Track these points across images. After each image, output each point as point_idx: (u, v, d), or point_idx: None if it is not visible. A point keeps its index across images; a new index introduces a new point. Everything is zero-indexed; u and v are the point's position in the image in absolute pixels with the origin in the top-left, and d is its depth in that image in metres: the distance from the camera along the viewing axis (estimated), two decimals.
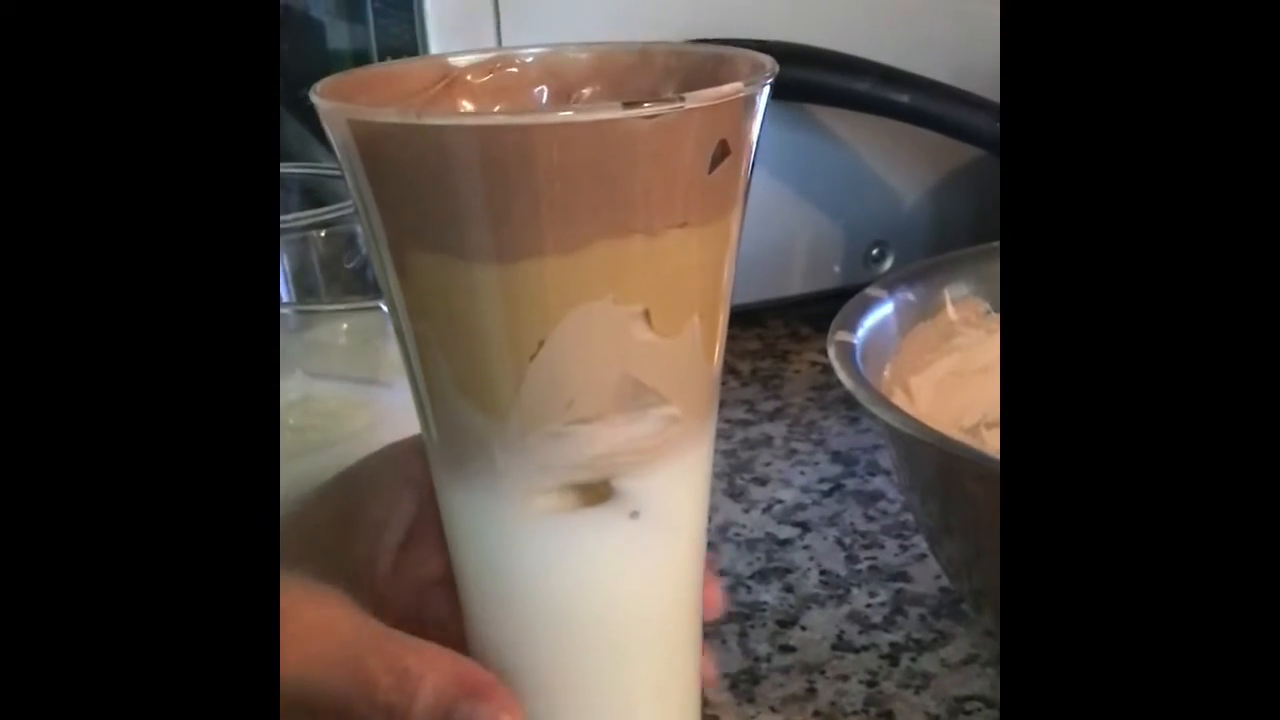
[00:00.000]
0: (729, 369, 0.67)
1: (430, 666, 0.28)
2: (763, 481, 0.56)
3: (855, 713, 0.41)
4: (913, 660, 0.44)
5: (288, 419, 0.42)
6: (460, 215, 0.25)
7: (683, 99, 0.25)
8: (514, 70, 0.31)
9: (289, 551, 0.30)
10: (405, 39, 0.62)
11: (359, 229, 0.40)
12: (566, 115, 0.25)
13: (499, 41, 0.61)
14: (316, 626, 0.28)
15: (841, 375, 0.41)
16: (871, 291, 0.47)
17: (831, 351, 0.43)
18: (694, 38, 0.62)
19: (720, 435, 0.60)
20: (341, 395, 0.44)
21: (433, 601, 0.32)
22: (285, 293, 0.49)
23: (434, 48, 0.60)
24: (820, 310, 0.71)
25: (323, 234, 0.50)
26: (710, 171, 0.26)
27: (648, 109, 0.24)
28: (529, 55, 0.31)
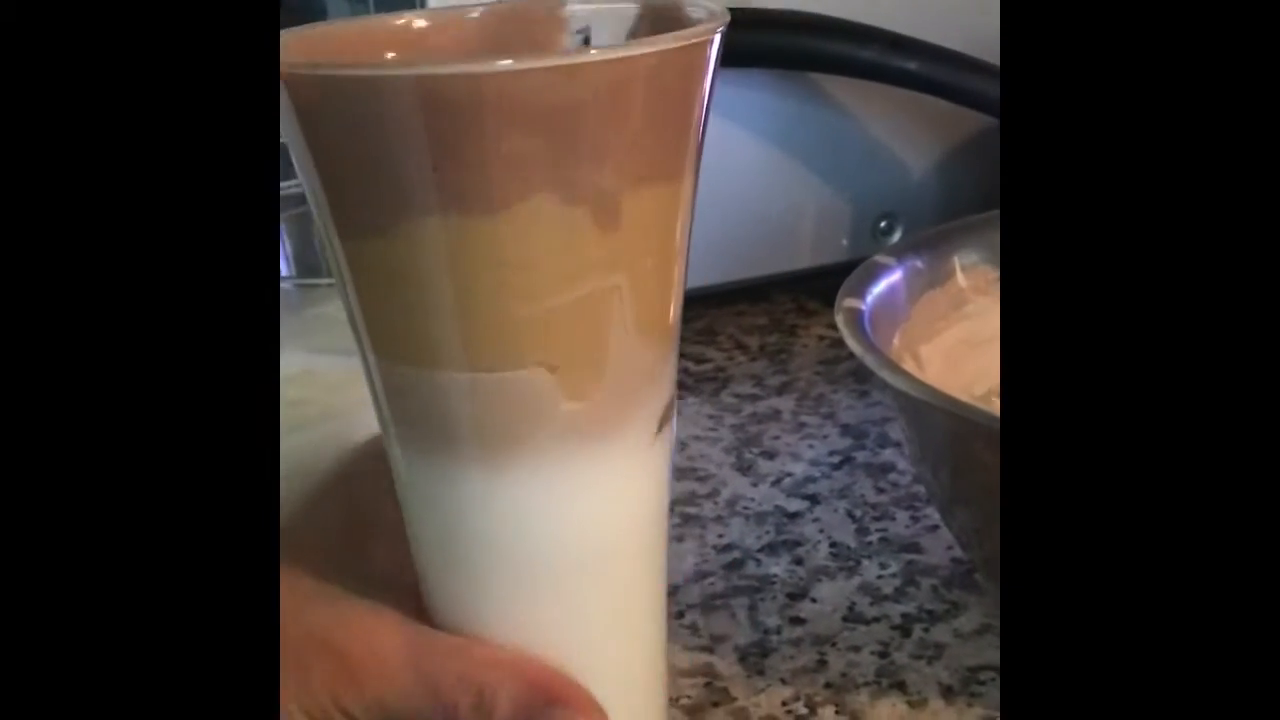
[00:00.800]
0: (737, 344, 0.66)
1: (504, 675, 0.27)
2: (771, 455, 0.55)
3: (867, 684, 0.41)
4: (925, 631, 0.43)
5: (287, 392, 0.42)
6: (401, 173, 0.24)
7: (632, 45, 0.24)
8: (455, 29, 0.30)
9: (306, 560, 0.29)
10: None
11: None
12: (508, 64, 0.23)
13: None
14: (383, 653, 0.28)
15: (850, 342, 0.41)
16: (880, 259, 0.47)
17: (840, 319, 0.42)
18: None
19: (728, 409, 0.59)
20: (342, 369, 0.43)
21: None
22: (285, 268, 0.49)
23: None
24: (828, 284, 0.70)
25: None
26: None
27: (595, 54, 0.24)
28: (473, 13, 0.30)
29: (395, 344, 0.27)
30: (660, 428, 0.28)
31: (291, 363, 0.42)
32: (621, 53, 0.24)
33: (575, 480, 0.27)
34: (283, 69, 0.24)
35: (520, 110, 0.23)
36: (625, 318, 0.26)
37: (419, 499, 0.28)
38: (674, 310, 0.28)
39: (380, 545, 0.31)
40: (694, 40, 0.25)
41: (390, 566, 0.30)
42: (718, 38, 0.26)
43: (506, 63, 0.23)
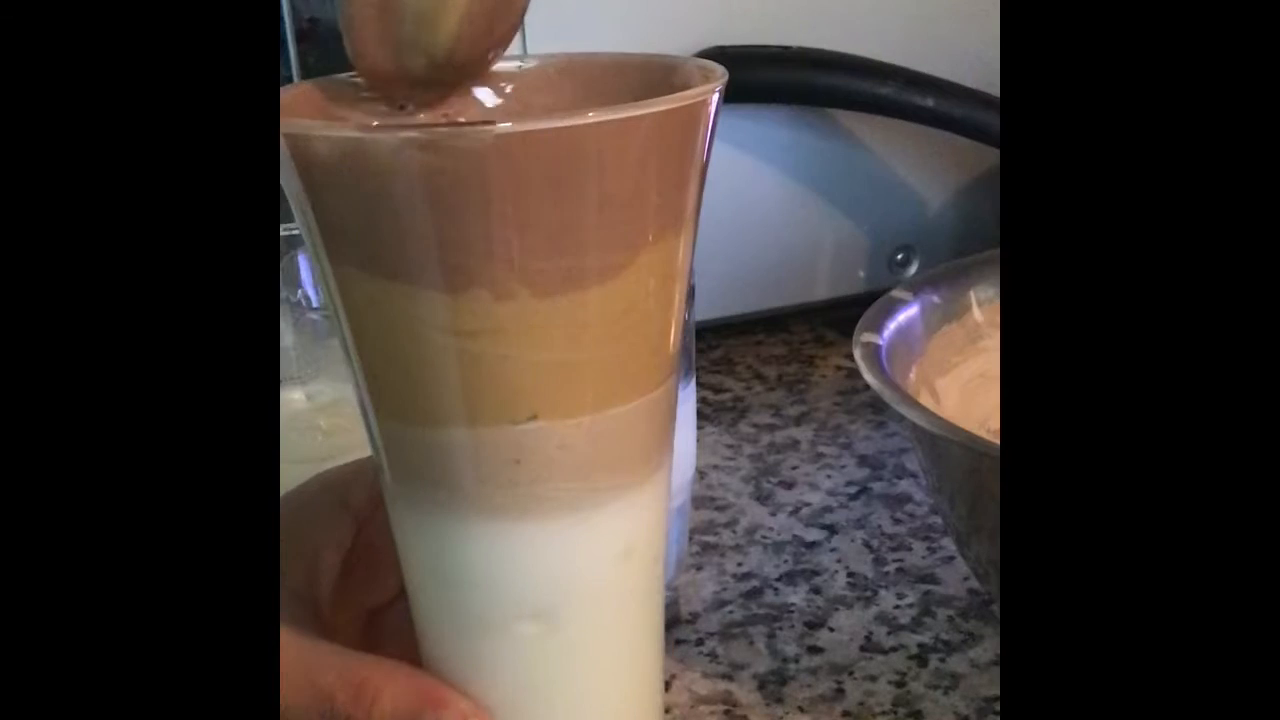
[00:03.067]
0: (755, 374, 0.67)
1: (387, 679, 0.28)
2: (789, 485, 0.56)
3: (884, 713, 0.41)
4: (941, 661, 0.44)
5: (318, 421, 0.43)
6: (403, 238, 0.24)
7: (638, 105, 0.24)
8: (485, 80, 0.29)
9: None
10: None
11: None
12: (507, 126, 0.23)
13: (525, 50, 0.61)
14: None
15: (868, 376, 0.42)
16: (897, 294, 0.47)
17: (857, 353, 0.43)
18: (717, 44, 0.62)
19: (746, 439, 0.60)
20: None
21: (382, 625, 0.32)
22: (314, 298, 0.50)
23: None
24: (845, 315, 0.71)
25: None
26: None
27: (593, 116, 0.23)
28: (504, 66, 0.30)
29: (386, 399, 0.27)
30: (657, 469, 0.28)
31: (321, 392, 0.43)
32: (622, 114, 0.24)
33: (576, 527, 0.27)
34: (283, 127, 0.24)
35: (522, 172, 0.23)
36: (626, 369, 0.26)
37: (416, 545, 0.28)
38: (672, 355, 0.28)
39: (300, 562, 0.31)
40: (693, 100, 0.25)
41: (302, 582, 0.31)
42: (716, 96, 0.26)
43: (506, 125, 0.23)
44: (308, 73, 0.98)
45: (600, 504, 0.27)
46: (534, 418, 0.26)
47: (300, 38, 0.98)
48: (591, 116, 0.24)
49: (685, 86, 0.26)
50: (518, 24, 0.26)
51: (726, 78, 0.26)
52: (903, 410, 0.39)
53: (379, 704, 0.27)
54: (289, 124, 0.24)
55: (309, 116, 0.27)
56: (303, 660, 0.28)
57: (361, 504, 0.32)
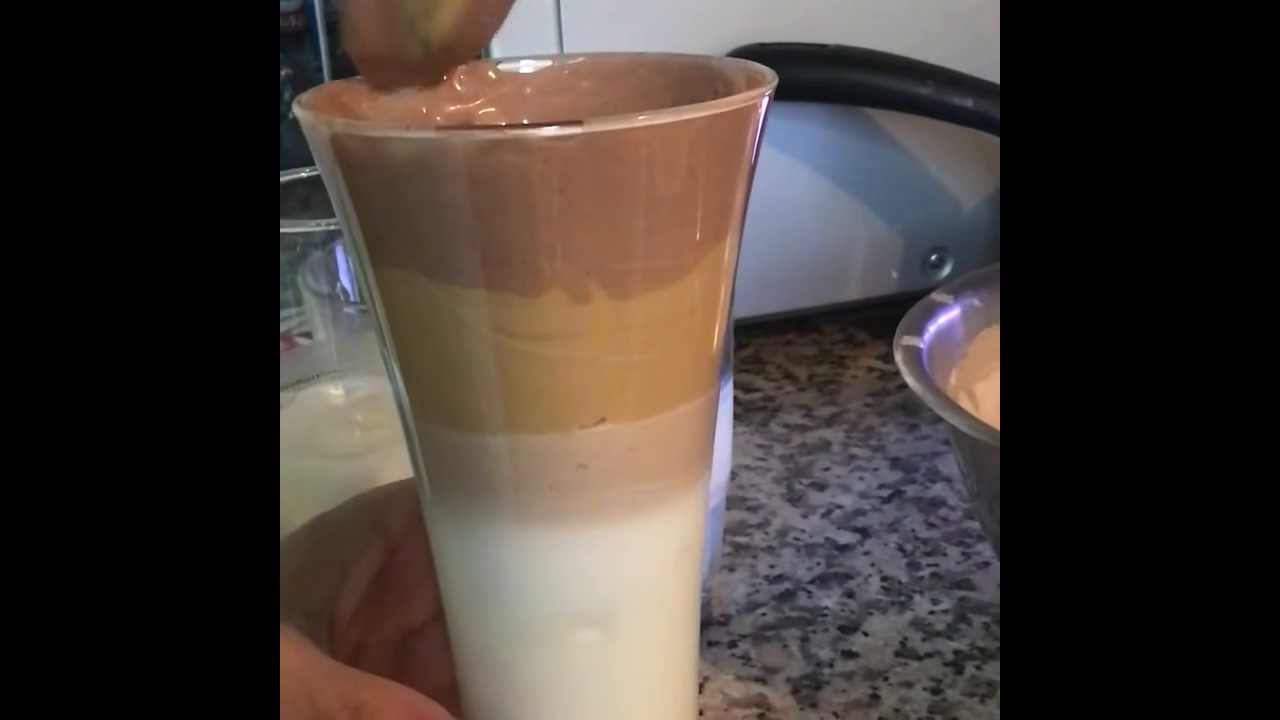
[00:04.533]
0: (786, 374, 0.67)
1: (386, 700, 0.27)
2: (821, 486, 0.55)
3: None
4: (978, 669, 0.43)
5: (355, 416, 0.43)
6: (476, 242, 0.24)
7: (685, 109, 0.23)
8: (498, 82, 0.29)
9: None
10: None
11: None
12: (553, 130, 0.23)
13: (560, 48, 0.61)
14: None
15: (909, 380, 0.41)
16: (937, 297, 0.47)
17: (898, 356, 0.43)
18: (754, 42, 0.62)
19: (778, 440, 0.59)
20: None
21: (415, 649, 0.32)
22: (352, 292, 0.50)
23: (495, 53, 0.61)
24: (877, 315, 0.71)
25: None
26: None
27: (643, 118, 0.23)
28: (520, 66, 0.30)
29: (438, 407, 0.26)
30: (707, 468, 0.28)
31: (358, 387, 0.43)
32: (671, 117, 0.23)
33: (637, 529, 0.27)
34: (331, 128, 0.24)
35: (605, 173, 0.23)
36: (669, 374, 0.26)
37: (462, 559, 0.28)
38: (716, 361, 0.27)
39: (325, 581, 0.31)
40: (744, 104, 0.25)
41: (323, 599, 0.30)
42: (766, 100, 0.25)
43: (552, 129, 0.23)
44: (337, 64, 0.98)
45: (661, 504, 0.27)
46: (603, 420, 0.25)
47: (330, 29, 0.98)
48: (686, 114, 0.23)
49: (726, 89, 0.26)
50: (505, 14, 0.27)
51: (775, 82, 0.26)
52: (945, 415, 0.39)
53: None
54: (361, 125, 0.24)
55: (361, 110, 0.27)
56: (304, 679, 0.28)
57: (396, 526, 0.32)
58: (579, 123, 0.23)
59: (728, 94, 0.26)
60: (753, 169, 0.26)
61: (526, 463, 0.26)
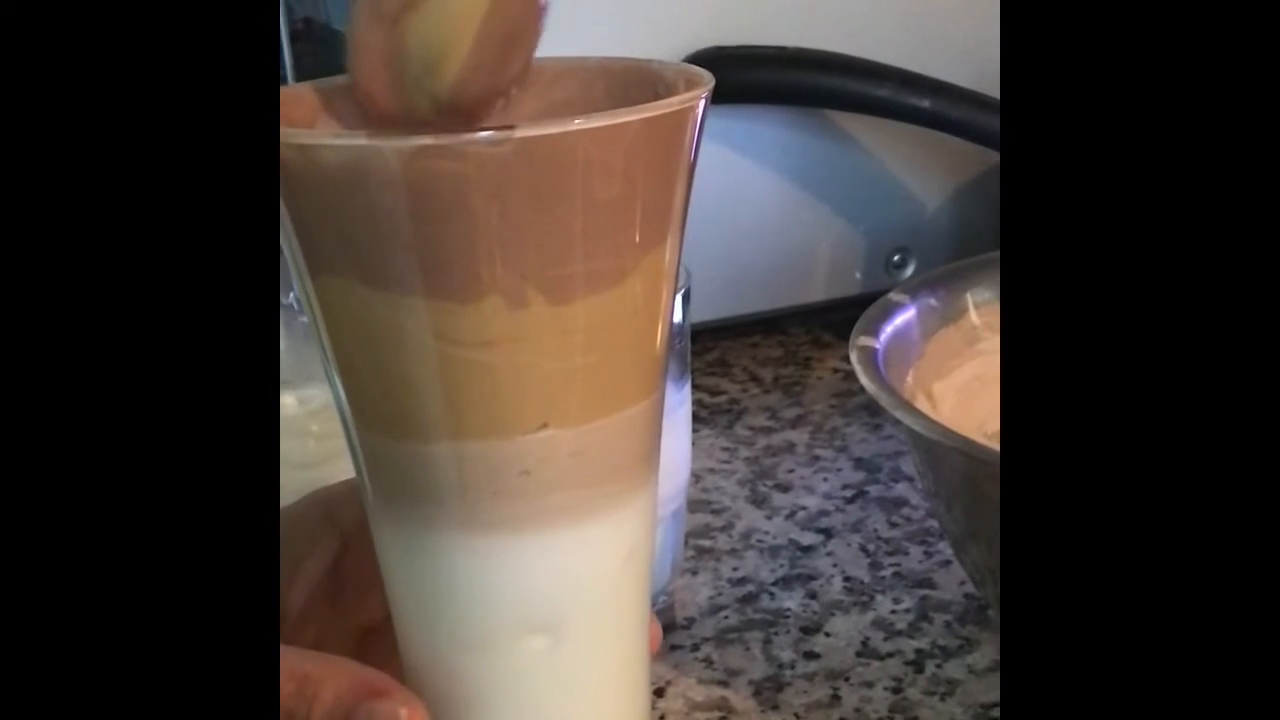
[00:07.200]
0: (751, 376, 0.67)
1: (330, 672, 0.28)
2: (785, 488, 0.56)
3: (881, 719, 0.41)
4: (938, 667, 0.43)
5: (310, 426, 0.42)
6: (411, 248, 0.24)
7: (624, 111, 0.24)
8: None
9: None
10: None
11: None
12: (488, 136, 0.23)
13: None
14: None
15: (864, 380, 0.41)
16: (894, 296, 0.47)
17: (854, 356, 0.43)
18: (712, 45, 0.62)
19: (742, 442, 0.60)
20: None
21: (373, 647, 0.32)
22: None
23: None
24: (842, 317, 0.71)
25: None
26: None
27: (579, 121, 0.23)
28: None
29: (379, 415, 0.26)
30: (653, 470, 0.28)
31: (313, 397, 0.43)
32: (607, 120, 0.23)
33: (584, 534, 0.27)
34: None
35: (541, 178, 0.23)
36: (612, 379, 0.26)
37: (409, 567, 0.28)
38: (659, 364, 0.27)
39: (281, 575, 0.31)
40: (680, 106, 0.25)
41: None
42: (703, 102, 0.25)
43: (485, 135, 0.23)
44: (302, 73, 0.97)
45: (607, 509, 0.27)
46: (545, 426, 0.25)
47: (295, 38, 0.98)
48: (622, 117, 0.23)
49: (667, 91, 0.26)
50: (526, 67, 0.26)
51: (711, 85, 0.26)
52: (899, 415, 0.39)
53: (321, 697, 0.27)
54: (294, 133, 0.24)
55: (303, 119, 0.27)
56: None
57: (350, 520, 0.31)
58: (512, 127, 0.23)
59: (668, 96, 0.26)
60: (692, 170, 0.26)
61: (469, 469, 0.26)
